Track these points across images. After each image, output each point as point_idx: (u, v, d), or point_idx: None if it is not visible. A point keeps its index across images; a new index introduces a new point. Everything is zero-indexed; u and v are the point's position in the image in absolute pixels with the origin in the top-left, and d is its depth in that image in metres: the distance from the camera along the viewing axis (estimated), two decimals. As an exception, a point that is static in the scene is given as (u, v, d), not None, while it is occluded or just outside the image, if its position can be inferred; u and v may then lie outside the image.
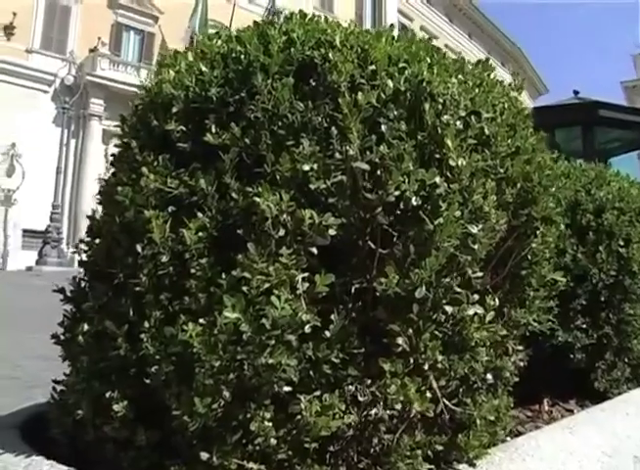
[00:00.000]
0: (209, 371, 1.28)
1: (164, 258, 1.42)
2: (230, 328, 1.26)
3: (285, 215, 1.32)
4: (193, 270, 1.39)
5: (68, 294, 1.79)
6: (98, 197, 1.91)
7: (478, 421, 1.60)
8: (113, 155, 1.87)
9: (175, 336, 1.32)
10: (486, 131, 1.63)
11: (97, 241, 1.77)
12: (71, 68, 26.32)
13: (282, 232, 1.31)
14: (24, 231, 25.66)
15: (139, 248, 1.45)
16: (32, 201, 25.42)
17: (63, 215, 25.62)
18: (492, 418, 1.66)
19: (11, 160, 25.67)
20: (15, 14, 25.93)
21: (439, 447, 1.55)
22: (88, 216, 1.90)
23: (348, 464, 1.46)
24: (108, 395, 1.45)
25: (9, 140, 25.43)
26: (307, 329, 1.30)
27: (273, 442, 1.32)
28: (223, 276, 1.32)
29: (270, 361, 1.26)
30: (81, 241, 1.82)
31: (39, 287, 17.26)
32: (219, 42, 1.73)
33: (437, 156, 1.49)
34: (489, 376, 1.65)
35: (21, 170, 25.69)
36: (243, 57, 1.58)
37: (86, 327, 1.56)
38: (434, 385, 1.48)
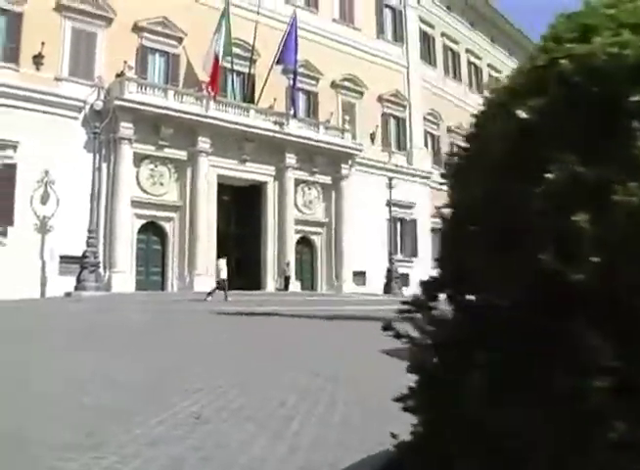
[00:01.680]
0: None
1: None
2: None
3: None
4: None
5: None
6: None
7: None
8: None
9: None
10: None
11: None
12: (100, 93, 26.60)
13: None
14: (61, 257, 25.90)
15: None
16: (68, 226, 25.67)
17: (98, 240, 25.84)
18: None
19: (45, 187, 25.96)
20: (43, 43, 26.37)
21: None
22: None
23: None
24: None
25: (42, 167, 25.75)
26: None
27: None
28: None
29: None
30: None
31: (85, 311, 17.49)
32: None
33: None
34: None
35: (55, 197, 25.98)
36: None
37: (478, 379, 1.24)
38: None
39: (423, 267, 39.01)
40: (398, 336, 1.52)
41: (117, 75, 27.97)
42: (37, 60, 26.57)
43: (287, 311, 17.72)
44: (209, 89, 29.85)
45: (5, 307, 18.54)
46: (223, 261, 24.52)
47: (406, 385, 1.53)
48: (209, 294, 22.49)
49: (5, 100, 25.26)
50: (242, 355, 9.02)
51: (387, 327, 1.53)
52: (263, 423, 4.59)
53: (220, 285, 23.35)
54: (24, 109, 25.74)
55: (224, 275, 23.75)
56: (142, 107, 27.42)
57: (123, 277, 26.70)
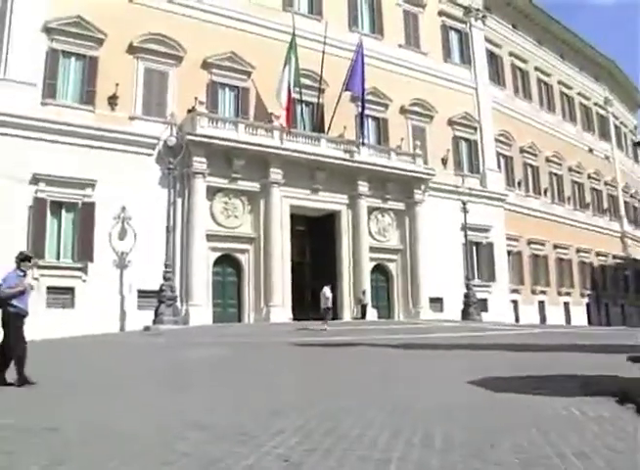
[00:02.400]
0: None
1: None
2: None
3: None
4: None
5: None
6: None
7: None
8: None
9: None
10: None
11: None
12: (172, 129, 27.05)
13: None
14: (139, 291, 26.24)
15: None
16: (145, 261, 26.05)
17: (175, 273, 26.08)
18: None
19: (122, 223, 26.45)
20: (117, 84, 27.07)
21: None
22: None
23: None
24: None
25: (119, 204, 26.29)
26: None
27: None
28: None
29: None
30: None
31: (166, 346, 17.49)
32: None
33: None
34: None
35: (132, 233, 26.42)
36: None
37: None
38: None
39: (501, 292, 38.11)
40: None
41: (189, 111, 28.43)
42: (112, 100, 27.30)
43: (367, 341, 17.35)
44: (283, 122, 30.00)
45: (88, 343, 18.78)
46: (328, 289, 24.91)
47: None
48: (323, 322, 23.04)
49: (83, 140, 26.01)
50: (327, 391, 8.71)
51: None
52: (357, 467, 4.30)
53: (326, 313, 23.79)
54: (101, 148, 26.43)
55: (330, 303, 24.21)
56: (214, 141, 27.75)
57: (200, 310, 26.82)
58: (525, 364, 11.40)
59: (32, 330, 21.96)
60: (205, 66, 30.13)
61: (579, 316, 46.08)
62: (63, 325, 23.13)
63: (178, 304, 25.82)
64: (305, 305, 30.35)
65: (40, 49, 26.14)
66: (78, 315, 24.42)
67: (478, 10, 42.83)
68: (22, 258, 9.46)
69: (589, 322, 46.70)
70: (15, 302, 9.05)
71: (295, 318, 28.53)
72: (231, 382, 9.74)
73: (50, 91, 26.12)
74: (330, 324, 23.46)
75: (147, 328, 24.00)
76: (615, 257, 53.83)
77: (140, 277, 25.98)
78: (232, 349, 15.79)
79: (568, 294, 46.40)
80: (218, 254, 28.49)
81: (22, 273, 9.27)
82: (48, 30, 26.38)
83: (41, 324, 22.93)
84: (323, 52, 31.73)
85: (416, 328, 24.42)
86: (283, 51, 30.55)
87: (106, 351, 17.12)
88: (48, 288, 24.43)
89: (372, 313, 30.86)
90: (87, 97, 26.94)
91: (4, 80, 25.02)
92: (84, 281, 25.21)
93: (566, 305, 46.04)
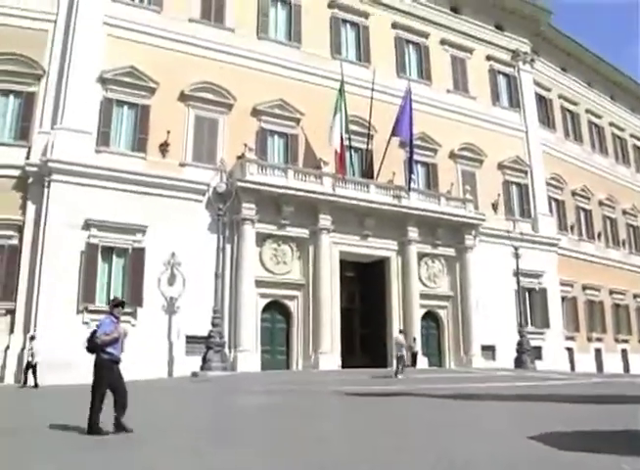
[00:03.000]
0: None
1: None
2: None
3: None
4: None
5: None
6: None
7: None
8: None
9: None
10: None
11: None
12: (222, 175, 27.23)
13: None
14: (187, 337, 26.19)
15: None
16: (194, 307, 26.06)
17: (223, 319, 25.97)
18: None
19: (172, 269, 26.56)
20: (169, 132, 27.51)
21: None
22: None
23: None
24: None
25: (169, 250, 26.47)
26: None
27: None
28: None
29: None
30: None
31: (216, 394, 17.23)
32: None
33: None
34: None
35: (181, 278, 26.51)
36: None
37: None
38: None
39: (555, 339, 37.05)
40: None
41: (238, 158, 28.67)
42: (163, 147, 27.72)
43: (419, 391, 16.87)
44: (335, 169, 30.10)
45: (138, 388, 18.64)
46: (401, 335, 24.97)
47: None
48: (397, 371, 22.96)
49: (134, 187, 26.41)
50: (383, 444, 8.33)
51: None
52: None
53: (399, 361, 23.53)
54: (152, 194, 26.78)
55: (404, 351, 24.04)
56: (263, 187, 27.85)
57: (249, 356, 26.59)
58: (586, 418, 10.85)
59: (86, 374, 22.28)
60: (255, 113, 30.46)
61: (638, 364, 44.40)
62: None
63: (226, 350, 25.65)
64: (355, 352, 29.83)
65: (95, 98, 26.85)
66: (127, 360, 24.20)
67: (525, 53, 42.63)
68: (116, 304, 9.48)
69: (648, 370, 45.00)
70: (109, 348, 9.01)
71: (344, 366, 28.05)
72: (284, 435, 9.41)
73: (104, 139, 26.68)
74: (380, 373, 22.99)
75: (195, 374, 23.86)
76: (674, 302, 51.96)
77: (188, 323, 25.98)
78: (282, 397, 15.47)
79: (625, 341, 44.84)
80: (267, 300, 28.34)
81: (115, 319, 9.25)
82: (103, 80, 27.12)
83: (90, 369, 23.12)
84: (371, 98, 31.85)
85: (469, 377, 23.78)
86: (331, 98, 30.77)
87: (156, 397, 16.96)
88: (98, 333, 24.49)
89: (423, 361, 30.20)
90: (139, 144, 27.44)
91: (61, 129, 25.70)
92: (133, 326, 25.20)
93: (623, 352, 44.44)
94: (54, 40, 26.96)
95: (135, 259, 26.01)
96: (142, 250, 26.17)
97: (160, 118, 27.72)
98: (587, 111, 49.25)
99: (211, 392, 17.87)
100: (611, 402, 13.92)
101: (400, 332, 26.01)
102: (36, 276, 23.91)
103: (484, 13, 41.19)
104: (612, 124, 51.99)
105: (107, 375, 9.02)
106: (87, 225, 25.15)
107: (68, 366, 22.55)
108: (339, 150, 30.00)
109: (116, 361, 9.14)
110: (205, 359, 24.24)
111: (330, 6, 34.74)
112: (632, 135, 54.69)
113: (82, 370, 22.44)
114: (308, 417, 11.80)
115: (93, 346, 9.08)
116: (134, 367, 23.36)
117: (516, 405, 13.86)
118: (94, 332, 9.12)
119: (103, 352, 8.99)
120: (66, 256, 24.33)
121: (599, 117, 50.44)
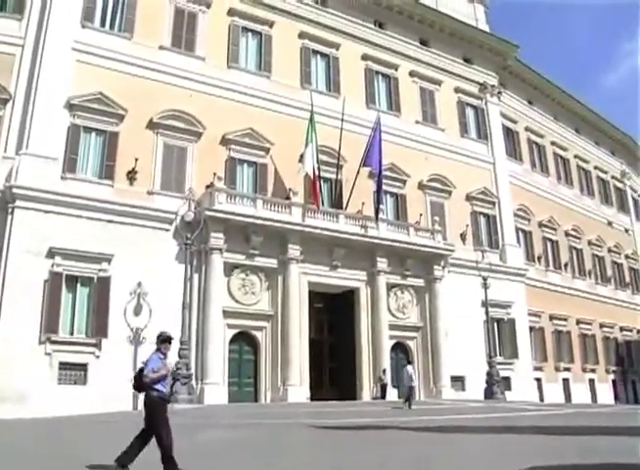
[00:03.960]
0: None
1: None
2: None
3: None
4: None
5: None
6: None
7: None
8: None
9: None
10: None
11: None
12: (191, 204, 26.91)
13: None
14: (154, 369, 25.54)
15: None
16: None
17: (190, 351, 25.45)
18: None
19: (138, 298, 26.08)
20: (137, 159, 27.18)
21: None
22: None
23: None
24: None
25: (135, 279, 25.98)
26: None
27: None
28: None
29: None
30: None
31: (182, 426, 16.72)
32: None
33: None
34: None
35: (147, 308, 26.02)
36: None
37: None
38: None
39: (524, 369, 37.10)
40: None
41: (207, 186, 28.43)
42: (131, 175, 27.36)
43: (391, 423, 16.62)
44: (311, 201, 30.06)
45: (100, 422, 18.09)
46: (411, 367, 25.15)
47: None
48: (407, 401, 23.11)
49: (100, 215, 25.99)
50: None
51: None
52: None
53: (410, 392, 23.54)
54: (118, 222, 26.36)
55: (414, 382, 24.46)
56: (232, 217, 27.61)
57: (216, 389, 26.08)
58: (564, 450, 10.73)
59: (42, 407, 21.65)
60: (224, 142, 30.30)
61: (605, 394, 44.68)
62: (74, 402, 22.69)
63: (193, 382, 25.11)
64: (324, 384, 29.45)
65: (62, 124, 26.45)
66: (91, 392, 23.82)
67: (493, 86, 43.29)
68: (163, 340, 9.04)
69: (616, 399, 45.26)
70: (158, 385, 8.61)
71: (312, 398, 27.66)
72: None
73: (70, 166, 26.24)
74: (348, 405, 22.65)
75: (162, 407, 23.19)
76: (639, 331, 52.54)
77: (155, 355, 25.36)
78: (254, 431, 15.06)
79: (592, 371, 45.11)
80: (235, 331, 27.91)
81: (162, 355, 8.84)
82: (70, 106, 26.75)
83: (52, 401, 22.54)
84: (341, 129, 31.95)
85: (440, 409, 23.55)
86: (301, 127, 30.78)
87: (120, 432, 16.40)
88: (60, 363, 23.92)
89: (392, 393, 29.91)
90: (107, 172, 27.02)
91: (26, 155, 25.21)
92: (97, 357, 24.66)
93: (591, 382, 44.69)
94: (21, 64, 26.55)
95: (100, 289, 25.44)
96: (107, 279, 25.63)
97: (128, 146, 27.40)
98: (553, 143, 50.04)
99: (176, 426, 17.37)
100: (585, 434, 13.80)
101: (409, 363, 26.28)
102: (-3, 305, 23.23)
103: (453, 46, 41.82)
104: (577, 157, 52.88)
105: (161, 410, 8.62)
106: (51, 253, 24.57)
107: (22, 399, 21.95)
108: (312, 179, 29.92)
109: (166, 399, 8.74)
110: (171, 391, 23.62)
111: (300, 36, 34.94)
112: (596, 167, 55.66)
113: (38, 404, 21.98)
114: (274, 453, 11.45)
115: (141, 384, 8.70)
116: (98, 400, 22.99)
117: (492, 438, 13.67)
118: (141, 370, 8.75)
119: (152, 389, 8.60)
120: (28, 284, 23.70)
121: (564, 149, 51.28)
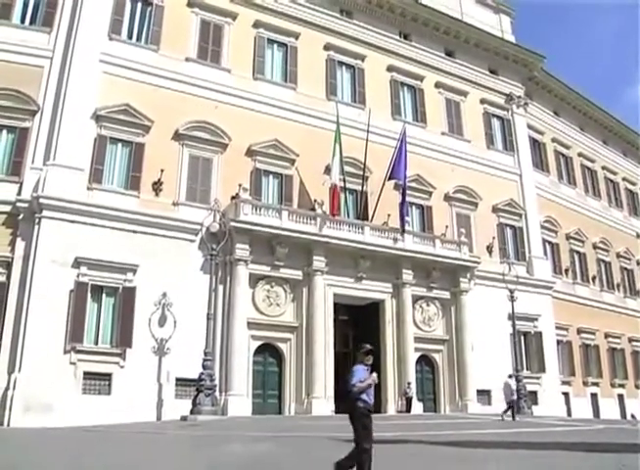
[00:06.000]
0: None
1: None
2: None
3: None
4: None
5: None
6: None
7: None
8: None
9: None
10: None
11: None
12: (216, 215, 26.87)
13: None
14: (177, 380, 25.59)
15: None
16: (184, 349, 25.48)
17: (214, 362, 25.36)
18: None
19: (163, 309, 26.08)
20: (162, 170, 27.29)
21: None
22: None
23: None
24: None
25: (160, 290, 25.99)
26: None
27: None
28: None
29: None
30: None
31: (208, 441, 16.60)
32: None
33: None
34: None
35: (172, 319, 26.00)
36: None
37: None
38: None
39: (552, 384, 36.49)
40: None
41: (232, 198, 28.40)
42: (156, 186, 27.48)
43: (417, 437, 16.32)
44: (330, 212, 29.86)
45: (125, 433, 17.99)
46: (512, 380, 25.56)
47: None
48: (505, 412, 23.92)
49: (126, 225, 26.08)
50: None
51: None
52: None
53: (510, 405, 23.87)
54: (144, 233, 26.43)
55: (515, 396, 24.71)
56: (257, 228, 27.56)
57: (240, 400, 25.95)
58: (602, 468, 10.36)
59: (67, 417, 21.68)
60: (250, 153, 30.33)
61: (635, 409, 43.75)
62: (98, 412, 22.74)
63: (217, 393, 24.99)
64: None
65: (89, 135, 26.67)
66: (114, 402, 23.83)
67: (519, 97, 42.95)
68: (367, 352, 9.07)
69: (646, 415, 44.36)
70: (363, 396, 8.58)
71: (337, 411, 27.40)
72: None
73: (96, 176, 26.41)
74: (375, 418, 22.28)
75: (184, 418, 23.15)
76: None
77: (179, 365, 25.40)
78: (281, 444, 14.86)
79: (622, 386, 44.25)
80: (259, 342, 27.80)
81: (366, 367, 8.84)
82: (97, 118, 26.96)
83: (76, 411, 22.58)
84: (367, 140, 31.84)
85: (466, 423, 23.15)
86: (326, 139, 30.71)
87: (143, 444, 16.30)
88: (85, 373, 23.96)
89: (417, 407, 29.57)
90: (132, 182, 27.17)
91: (54, 165, 25.40)
92: (122, 367, 24.68)
93: (620, 397, 43.85)
94: (49, 76, 26.87)
95: (125, 299, 25.50)
96: (133, 289, 25.69)
97: (153, 157, 27.54)
98: (580, 154, 49.50)
99: (199, 438, 17.23)
100: (620, 451, 13.40)
101: (509, 377, 26.24)
102: (23, 314, 23.32)
103: (478, 57, 41.60)
104: (604, 168, 52.24)
105: (366, 421, 8.54)
106: (77, 263, 24.69)
107: (49, 409, 21.98)
108: (333, 189, 29.79)
109: (371, 410, 8.69)
110: (194, 403, 23.59)
111: (326, 48, 34.98)
112: (624, 179, 54.93)
113: (62, 413, 22.00)
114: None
115: (348, 394, 8.70)
116: (121, 410, 23.02)
117: (524, 455, 13.31)
118: (348, 381, 8.76)
119: (358, 399, 8.56)
120: (54, 294, 23.82)
121: (592, 160, 50.70)
